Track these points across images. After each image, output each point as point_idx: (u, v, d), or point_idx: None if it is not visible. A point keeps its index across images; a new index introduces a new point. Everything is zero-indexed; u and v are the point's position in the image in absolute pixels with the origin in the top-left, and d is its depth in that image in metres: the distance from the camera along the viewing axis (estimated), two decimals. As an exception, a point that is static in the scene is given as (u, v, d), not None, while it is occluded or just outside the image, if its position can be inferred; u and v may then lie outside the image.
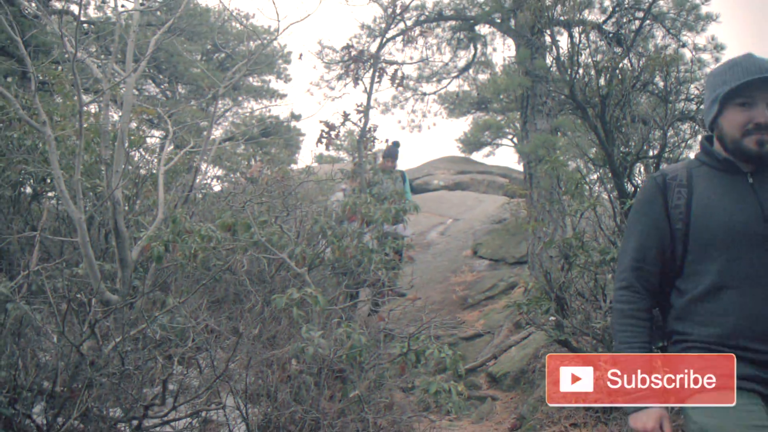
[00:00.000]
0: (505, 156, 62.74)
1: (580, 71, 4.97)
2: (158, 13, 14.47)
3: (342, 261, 5.00)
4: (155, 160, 6.43)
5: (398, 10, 5.23)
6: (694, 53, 9.88)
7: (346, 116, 5.99)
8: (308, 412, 3.21)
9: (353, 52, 6.09)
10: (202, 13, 15.01)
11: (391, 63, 7.15)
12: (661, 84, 5.73)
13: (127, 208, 5.33)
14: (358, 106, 5.70)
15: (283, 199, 4.94)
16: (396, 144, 8.17)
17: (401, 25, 11.17)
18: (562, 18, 9.49)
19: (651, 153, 5.12)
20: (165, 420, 3.15)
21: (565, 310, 5.10)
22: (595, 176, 5.67)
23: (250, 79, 19.85)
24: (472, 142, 26.63)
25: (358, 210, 4.97)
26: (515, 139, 27.50)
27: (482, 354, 7.64)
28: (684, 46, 9.58)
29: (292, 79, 22.32)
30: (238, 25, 16.18)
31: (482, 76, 16.76)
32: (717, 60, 10.36)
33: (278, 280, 4.60)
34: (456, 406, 3.84)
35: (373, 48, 8.26)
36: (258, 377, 3.52)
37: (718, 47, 10.26)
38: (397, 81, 5.91)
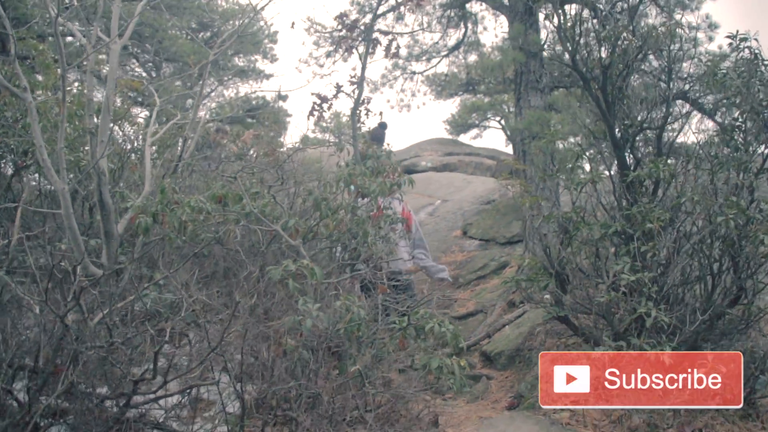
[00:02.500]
0: (493, 138, 62.47)
1: (582, 41, 4.81)
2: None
3: (336, 235, 4.84)
4: (140, 135, 6.23)
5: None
6: (687, 32, 9.74)
7: (339, 87, 5.81)
8: (306, 389, 3.06)
9: (347, 21, 5.90)
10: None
11: (386, 33, 6.96)
12: (655, 63, 5.62)
13: (112, 182, 5.13)
14: (351, 78, 5.52)
15: (276, 169, 4.76)
16: (383, 126, 7.91)
17: (392, 1, 10.98)
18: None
19: (653, 126, 4.99)
20: (155, 396, 2.99)
21: (565, 286, 4.99)
22: (592, 151, 5.52)
23: (236, 59, 19.52)
24: (459, 124, 26.48)
25: (353, 181, 4.80)
26: (503, 121, 27.41)
27: (475, 333, 7.52)
28: (678, 24, 9.44)
29: (278, 59, 21.92)
30: (224, 3, 15.86)
31: (471, 58, 16.59)
32: (711, 39, 10.27)
33: (270, 254, 4.43)
34: (458, 383, 3.72)
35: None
36: (253, 353, 3.36)
37: (712, 26, 10.15)
38: (392, 52, 5.73)
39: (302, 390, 3.06)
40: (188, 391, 3.11)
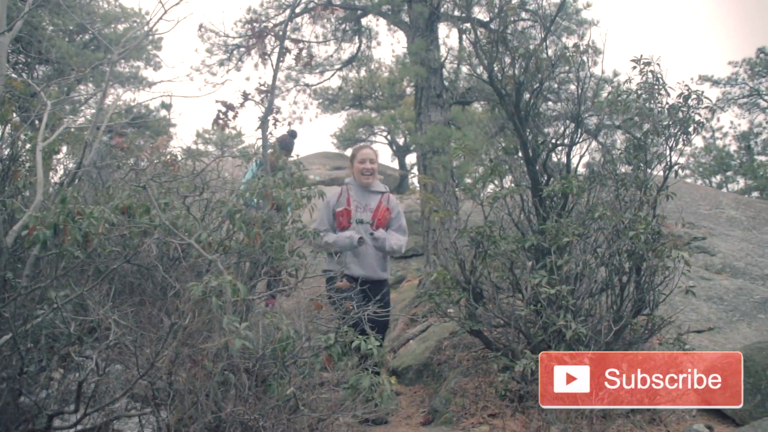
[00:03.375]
0: (379, 153, 63.13)
1: (499, 59, 4.89)
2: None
3: (249, 249, 4.61)
4: (22, 139, 5.69)
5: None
6: (574, 54, 10.23)
7: (246, 95, 5.57)
8: (239, 415, 2.84)
9: (256, 27, 5.68)
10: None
11: (297, 41, 6.78)
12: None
13: (-3, 189, 4.64)
14: (261, 85, 5.31)
15: (191, 180, 4.47)
16: (292, 134, 7.66)
17: (288, 12, 10.80)
18: (455, 13, 9.54)
19: (564, 143, 5.14)
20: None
21: (478, 300, 5.01)
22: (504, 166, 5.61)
23: (118, 65, 18.55)
24: (347, 138, 26.61)
25: (268, 194, 4.59)
26: (389, 136, 27.80)
27: (379, 348, 7.43)
28: (565, 48, 9.89)
29: (162, 67, 21.08)
30: (105, 5, 14.97)
31: (362, 72, 16.70)
32: (595, 63, 10.84)
33: (181, 270, 4.13)
34: (386, 399, 3.62)
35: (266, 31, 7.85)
36: (171, 376, 3.09)
37: (596, 51, 10.70)
38: (304, 60, 5.57)
39: (235, 417, 2.83)
40: (112, 423, 2.80)
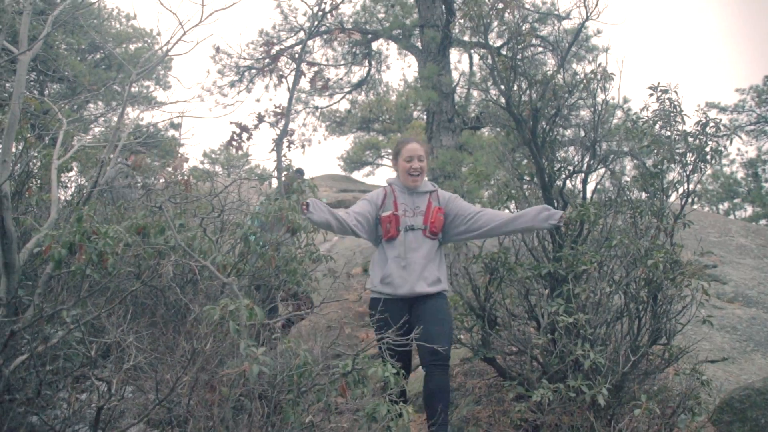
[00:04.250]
0: (386, 176, 63.16)
1: (517, 84, 4.89)
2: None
3: (263, 271, 4.59)
4: (36, 157, 5.71)
5: (327, 8, 4.92)
6: (591, 81, 10.28)
7: (261, 118, 5.58)
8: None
9: (273, 51, 5.71)
10: (85, 6, 13.84)
11: (312, 64, 6.81)
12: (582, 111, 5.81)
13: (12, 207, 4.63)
14: (277, 108, 5.31)
15: (208, 201, 4.45)
16: (300, 172, 7.20)
17: (300, 34, 10.89)
18: (466, 39, 9.58)
19: (581, 169, 5.11)
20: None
21: (496, 326, 4.96)
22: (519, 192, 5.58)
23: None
24: (354, 161, 26.68)
25: (282, 216, 4.57)
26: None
27: (388, 373, 7.35)
28: (578, 74, 9.94)
29: (171, 86, 21.21)
30: (118, 25, 15.10)
31: (371, 96, 16.81)
32: (605, 89, 10.82)
33: (195, 292, 4.11)
34: (402, 429, 3.56)
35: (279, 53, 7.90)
36: (189, 402, 3.04)
37: (607, 77, 10.70)
38: (320, 83, 5.57)
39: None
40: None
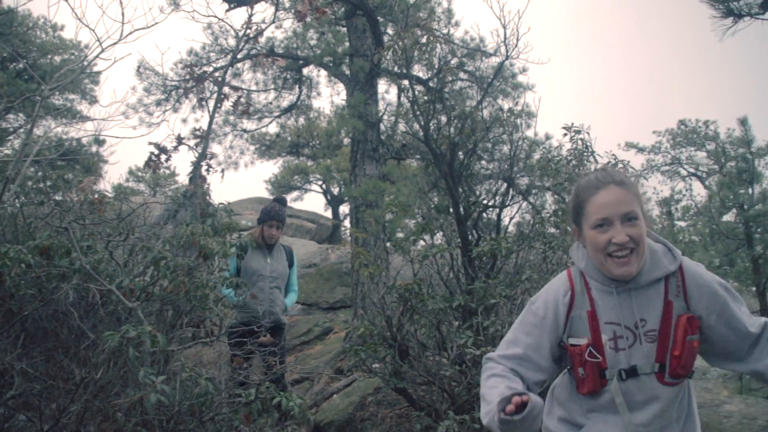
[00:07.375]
0: (314, 201, 62.94)
1: (436, 118, 4.98)
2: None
3: (172, 297, 4.46)
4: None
5: (251, 34, 4.91)
6: (509, 117, 10.56)
7: (179, 140, 5.48)
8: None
9: (195, 73, 5.63)
10: (8, 13, 13.28)
11: (236, 88, 6.75)
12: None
13: None
14: (196, 131, 5.23)
15: (118, 222, 4.30)
16: (281, 201, 6.35)
17: (228, 57, 10.79)
18: (396, 70, 9.72)
19: (494, 203, 5.23)
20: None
21: (407, 357, 4.97)
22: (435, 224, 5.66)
23: (51, 98, 18.03)
24: (281, 185, 26.47)
25: (194, 242, 4.47)
26: (324, 185, 27.83)
27: (302, 402, 7.26)
28: (500, 110, 10.24)
29: (98, 101, 20.50)
30: (43, 35, 14.56)
31: (300, 121, 16.83)
32: (528, 126, 11.19)
33: (99, 316, 3.95)
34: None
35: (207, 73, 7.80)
36: (79, 431, 2.91)
37: (530, 114, 11.05)
38: (241, 108, 5.52)
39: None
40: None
